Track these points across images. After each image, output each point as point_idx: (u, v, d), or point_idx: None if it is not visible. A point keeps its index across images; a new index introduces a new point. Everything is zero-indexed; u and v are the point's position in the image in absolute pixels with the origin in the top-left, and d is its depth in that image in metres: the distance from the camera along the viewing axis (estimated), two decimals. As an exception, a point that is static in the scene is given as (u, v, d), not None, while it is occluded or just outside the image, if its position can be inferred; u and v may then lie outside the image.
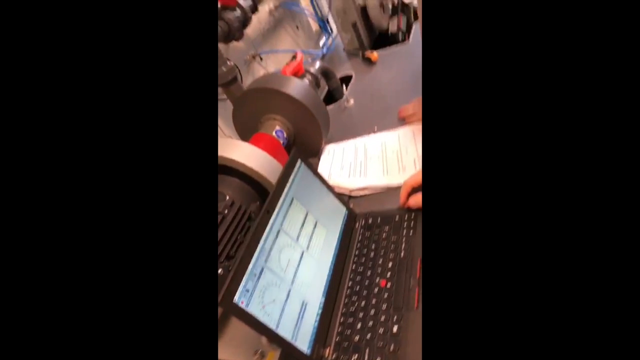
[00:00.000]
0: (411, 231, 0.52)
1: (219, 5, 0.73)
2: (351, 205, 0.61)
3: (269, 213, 0.46)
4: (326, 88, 1.04)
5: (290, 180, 0.51)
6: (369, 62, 1.12)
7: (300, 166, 0.53)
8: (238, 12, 0.75)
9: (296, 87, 0.73)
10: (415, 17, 1.24)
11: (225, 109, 0.84)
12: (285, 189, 0.50)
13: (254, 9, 0.81)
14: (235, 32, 0.74)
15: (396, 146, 0.71)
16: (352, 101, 0.97)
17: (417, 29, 1.19)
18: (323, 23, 1.25)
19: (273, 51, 1.05)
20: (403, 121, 0.78)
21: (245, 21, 0.77)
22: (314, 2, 1.19)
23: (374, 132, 0.79)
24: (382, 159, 0.70)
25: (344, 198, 0.62)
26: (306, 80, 0.87)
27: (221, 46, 0.72)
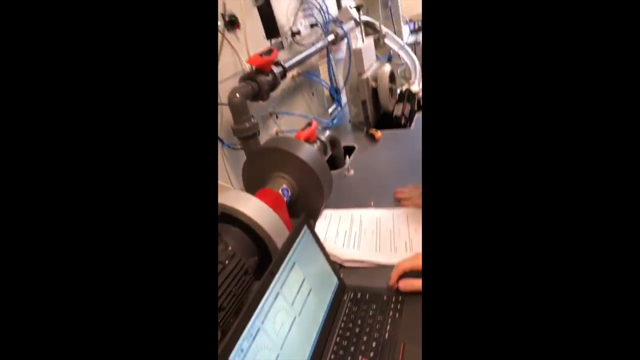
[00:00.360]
0: (397, 314, 0.55)
1: (253, 68, 0.81)
2: (342, 275, 0.64)
3: (272, 275, 0.48)
4: (330, 154, 1.12)
5: (295, 244, 0.54)
6: (372, 138, 1.21)
7: (305, 232, 0.57)
8: (270, 77, 0.83)
9: (307, 152, 0.79)
10: (419, 107, 1.37)
11: (236, 159, 0.88)
12: (290, 252, 0.53)
13: (284, 75, 0.90)
14: (264, 94, 0.81)
15: (390, 225, 0.76)
16: (352, 171, 1.04)
17: (418, 117, 1.32)
18: (337, 95, 1.36)
19: (290, 113, 1.13)
20: (398, 202, 0.84)
21: (274, 85, 0.85)
22: (332, 76, 1.31)
23: (371, 206, 0.84)
24: (376, 234, 0.74)
25: (336, 267, 0.65)
26: (316, 147, 0.94)
27: (248, 103, 0.79)
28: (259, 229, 0.62)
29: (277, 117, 1.06)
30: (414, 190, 0.83)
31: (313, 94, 1.31)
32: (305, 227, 0.57)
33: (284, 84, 1.10)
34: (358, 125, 1.33)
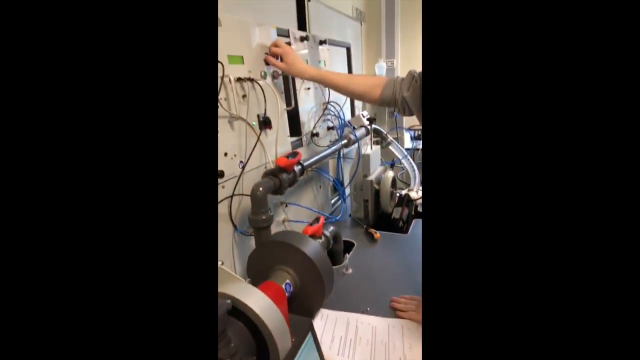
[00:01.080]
0: None
1: (277, 166, 0.89)
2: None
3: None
4: (330, 248, 1.16)
5: (300, 351, 0.55)
6: (371, 237, 1.27)
7: (309, 338, 0.58)
8: (290, 175, 0.91)
9: (313, 248, 0.83)
10: (416, 213, 1.46)
11: (245, 245, 0.92)
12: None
13: (302, 173, 0.98)
14: (283, 190, 0.88)
15: (385, 337, 0.77)
16: (350, 270, 1.07)
17: (415, 223, 1.40)
18: (342, 191, 1.45)
19: (298, 205, 1.20)
20: (394, 310, 0.86)
21: (293, 182, 0.93)
22: (340, 173, 1.42)
23: (366, 311, 0.86)
24: (371, 344, 0.75)
25: (330, 377, 0.64)
26: (320, 242, 0.98)
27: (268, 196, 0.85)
28: (263, 328, 0.63)
29: (286, 206, 1.13)
30: (410, 302, 0.85)
31: (320, 187, 1.39)
32: (310, 335, 0.58)
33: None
34: (357, 221, 1.39)
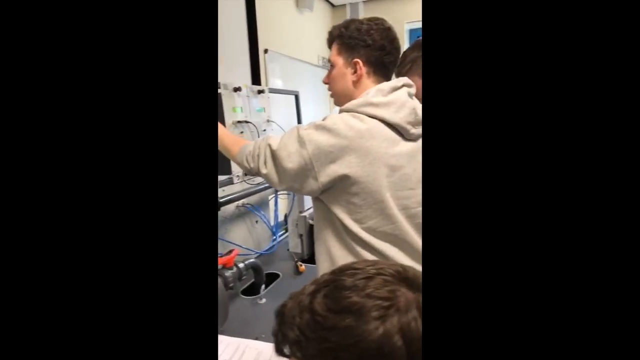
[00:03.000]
0: None
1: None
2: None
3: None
4: (252, 280, 1.24)
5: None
6: (296, 270, 1.34)
7: None
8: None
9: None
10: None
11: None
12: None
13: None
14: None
15: (264, 361, 0.83)
16: (264, 300, 1.14)
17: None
18: (272, 227, 1.56)
19: (229, 242, 1.30)
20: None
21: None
22: (277, 212, 1.53)
23: (261, 338, 0.93)
24: (247, 369, 0.81)
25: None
26: (228, 273, 1.06)
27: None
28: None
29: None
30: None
31: (257, 222, 1.49)
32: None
33: (227, 211, 1.30)
34: (293, 255, 1.47)
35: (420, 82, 1.24)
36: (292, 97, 1.78)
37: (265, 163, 0.77)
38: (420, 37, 1.27)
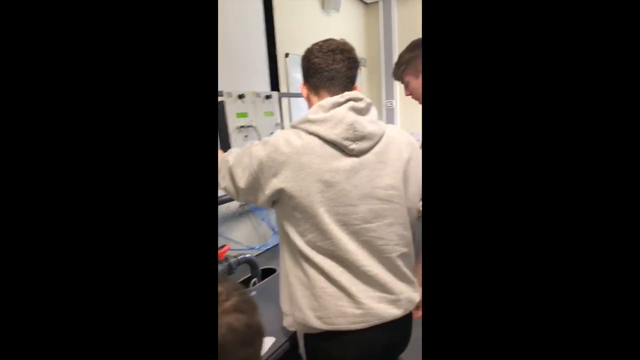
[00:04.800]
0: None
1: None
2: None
3: None
4: (249, 274, 1.33)
5: None
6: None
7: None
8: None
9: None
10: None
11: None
12: None
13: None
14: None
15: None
16: (254, 292, 1.23)
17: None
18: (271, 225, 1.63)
19: (232, 240, 1.41)
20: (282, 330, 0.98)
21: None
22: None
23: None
24: None
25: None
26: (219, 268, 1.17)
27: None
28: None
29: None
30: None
31: (262, 219, 1.59)
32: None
33: (231, 209, 1.41)
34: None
35: (415, 82, 1.22)
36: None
37: (224, 178, 0.82)
38: (416, 39, 1.23)
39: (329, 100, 0.76)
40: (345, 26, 2.43)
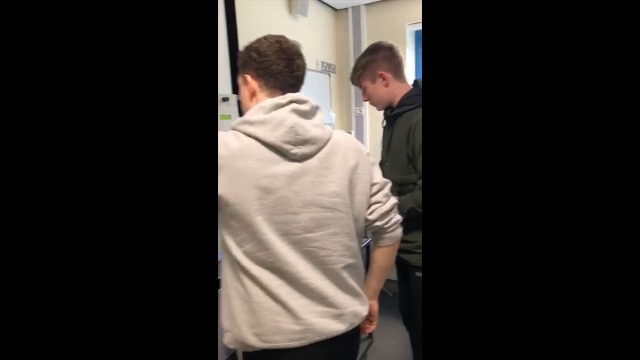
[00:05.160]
0: None
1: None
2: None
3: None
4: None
5: None
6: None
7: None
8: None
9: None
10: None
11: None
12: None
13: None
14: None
15: None
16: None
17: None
18: None
19: None
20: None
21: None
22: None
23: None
24: None
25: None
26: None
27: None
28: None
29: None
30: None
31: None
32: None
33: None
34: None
35: (372, 86, 1.20)
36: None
37: None
38: (373, 43, 1.22)
39: (270, 101, 0.71)
40: (313, 32, 2.41)
